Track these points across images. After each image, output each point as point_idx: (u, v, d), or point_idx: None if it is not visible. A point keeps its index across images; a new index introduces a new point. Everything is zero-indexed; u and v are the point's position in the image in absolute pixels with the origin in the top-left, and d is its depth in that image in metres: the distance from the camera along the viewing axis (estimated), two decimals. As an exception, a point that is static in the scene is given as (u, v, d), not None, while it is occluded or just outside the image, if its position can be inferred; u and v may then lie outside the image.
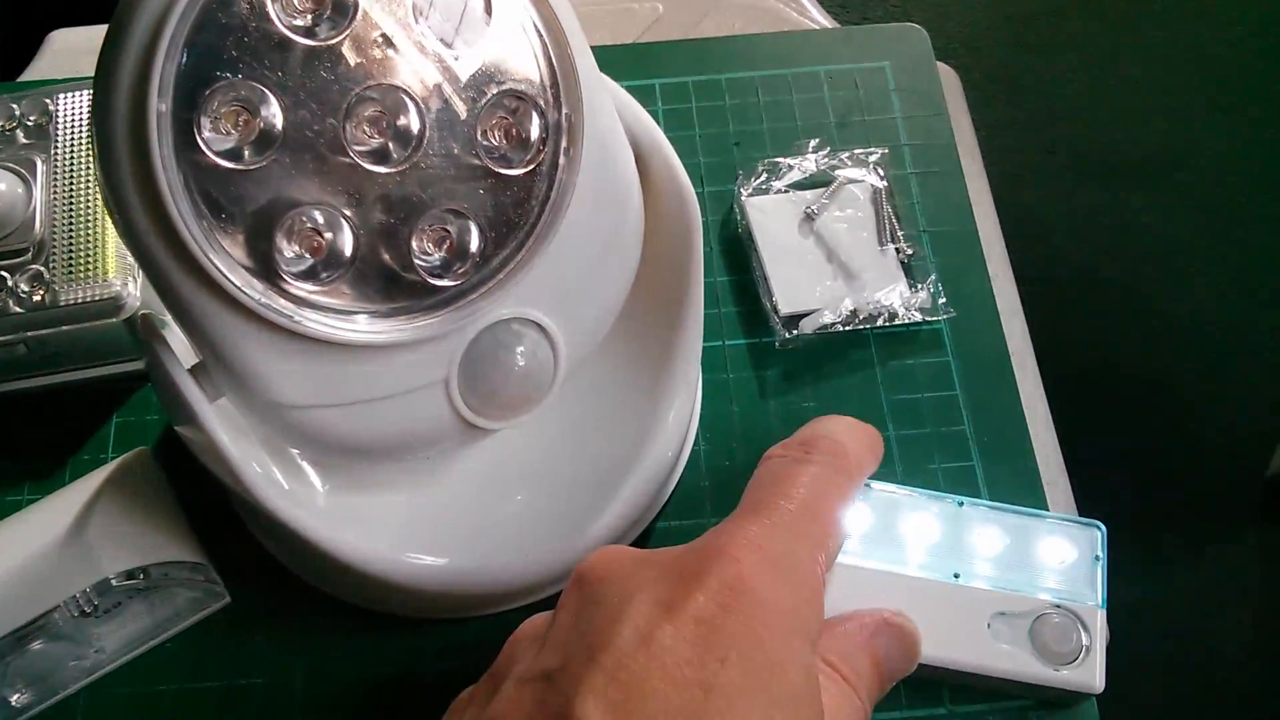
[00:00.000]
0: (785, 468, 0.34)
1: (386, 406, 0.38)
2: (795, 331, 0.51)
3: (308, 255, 0.36)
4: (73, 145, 0.52)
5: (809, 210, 0.53)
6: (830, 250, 0.53)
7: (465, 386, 0.39)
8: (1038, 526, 0.44)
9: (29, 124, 0.53)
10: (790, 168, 0.54)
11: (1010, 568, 0.43)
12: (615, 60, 0.58)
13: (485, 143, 0.37)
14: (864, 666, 0.35)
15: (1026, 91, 1.61)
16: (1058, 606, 0.42)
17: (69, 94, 0.53)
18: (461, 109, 0.37)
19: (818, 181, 0.54)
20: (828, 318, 0.51)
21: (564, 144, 0.38)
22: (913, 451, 0.49)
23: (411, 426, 0.39)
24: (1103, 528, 0.44)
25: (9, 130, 0.53)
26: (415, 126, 0.36)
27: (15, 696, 0.44)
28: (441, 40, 0.36)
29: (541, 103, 0.38)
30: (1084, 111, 1.60)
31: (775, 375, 0.51)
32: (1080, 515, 0.55)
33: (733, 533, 0.31)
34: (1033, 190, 1.53)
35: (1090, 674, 0.42)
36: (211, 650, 0.45)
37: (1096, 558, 0.43)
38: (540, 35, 0.38)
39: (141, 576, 0.43)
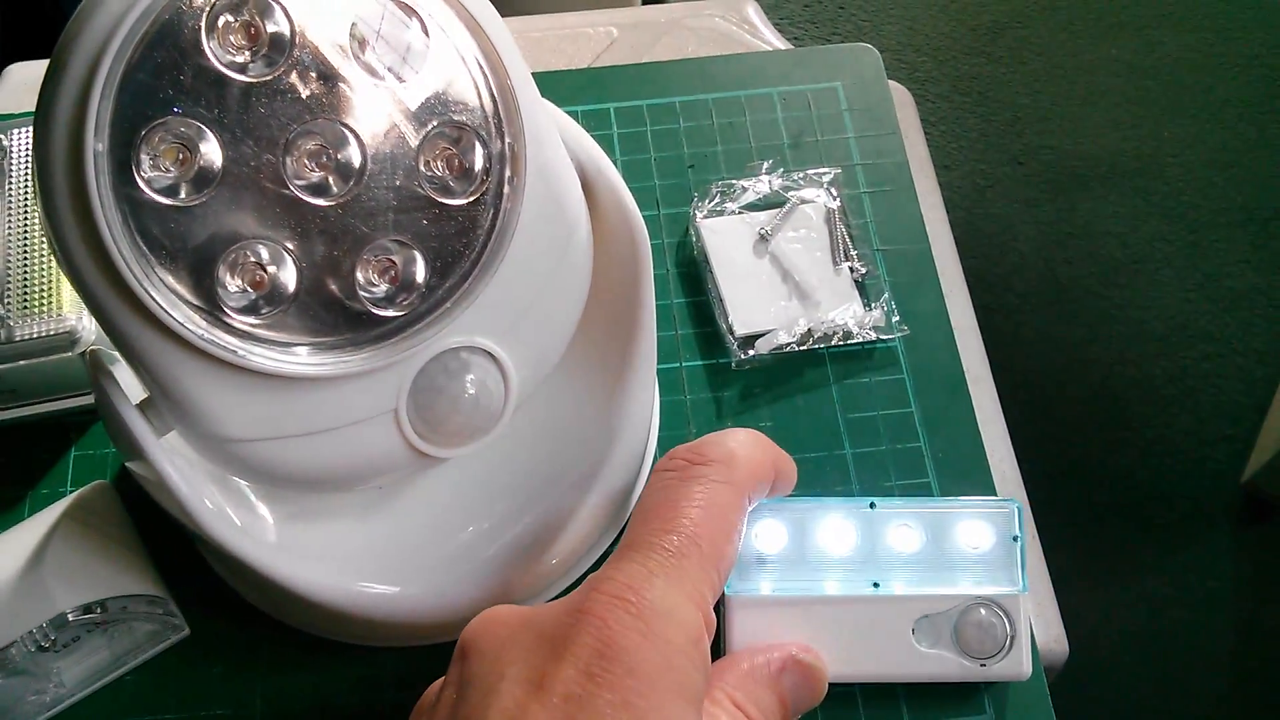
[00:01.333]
0: (669, 489, 0.33)
1: (335, 438, 0.39)
2: (751, 352, 0.51)
3: (250, 289, 0.36)
4: (28, 180, 0.52)
5: (763, 231, 0.54)
6: (785, 271, 0.53)
7: (415, 416, 0.40)
8: (954, 515, 0.42)
9: (-17, 159, 0.53)
10: (744, 189, 0.55)
11: (930, 565, 0.42)
12: (570, 84, 0.59)
13: (428, 173, 0.38)
14: (771, 705, 0.34)
15: (993, 102, 1.63)
16: (979, 599, 0.42)
17: (23, 129, 0.53)
18: (403, 140, 0.37)
19: (772, 202, 0.55)
20: (783, 338, 0.51)
21: (507, 173, 0.39)
22: (869, 469, 0.49)
23: (361, 457, 0.39)
24: (1019, 504, 0.43)
25: (-36, 166, 0.53)
26: (356, 159, 0.36)
27: (-27, 734, 0.44)
28: (382, 71, 0.37)
29: (484, 133, 0.38)
30: (1050, 121, 1.61)
31: (732, 396, 0.51)
32: (1041, 529, 0.55)
33: (604, 584, 0.30)
34: (1000, 200, 1.55)
35: (1017, 663, 0.41)
36: (171, 682, 0.45)
37: (1015, 537, 0.42)
38: (480, 66, 0.38)
39: (99, 610, 0.43)
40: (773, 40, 0.63)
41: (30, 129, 0.53)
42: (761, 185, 0.55)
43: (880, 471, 0.49)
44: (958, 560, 0.42)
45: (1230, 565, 1.31)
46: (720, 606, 0.42)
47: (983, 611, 0.42)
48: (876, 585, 0.42)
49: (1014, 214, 1.54)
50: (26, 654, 0.42)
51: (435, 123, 0.37)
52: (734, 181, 0.55)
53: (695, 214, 0.54)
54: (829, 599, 0.42)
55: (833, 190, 0.55)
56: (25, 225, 0.51)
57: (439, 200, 0.38)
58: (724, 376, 0.52)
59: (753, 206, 0.55)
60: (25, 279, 0.49)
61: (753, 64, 0.59)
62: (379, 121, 0.36)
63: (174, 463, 0.38)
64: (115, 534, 0.46)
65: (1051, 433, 1.37)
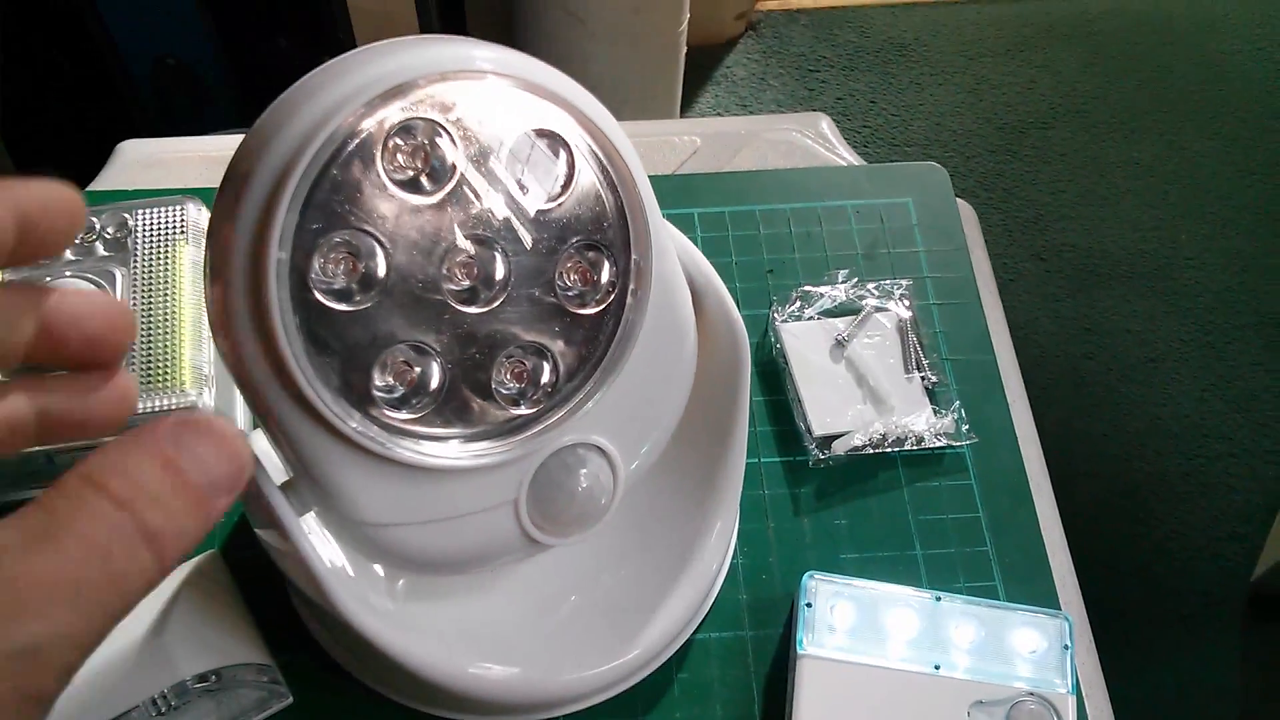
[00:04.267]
0: None
1: (461, 524, 0.41)
2: (828, 452, 0.54)
3: (400, 386, 0.39)
4: (150, 258, 0.55)
5: (840, 337, 0.57)
6: (860, 375, 0.56)
7: (533, 506, 0.42)
8: (1010, 618, 0.48)
9: (107, 236, 0.56)
10: (821, 295, 0.58)
11: (987, 658, 0.47)
12: (657, 190, 0.61)
13: (563, 285, 0.41)
14: (150, 474, 0.25)
15: (1017, 199, 1.67)
16: (1031, 694, 0.46)
17: (147, 210, 0.56)
18: (544, 256, 0.40)
19: (847, 309, 0.58)
20: (858, 440, 0.54)
21: (632, 286, 0.42)
22: (939, 569, 0.52)
23: (482, 542, 0.42)
24: (1070, 619, 0.48)
25: (88, 242, 0.56)
26: (501, 272, 0.40)
27: (85, 791, 0.46)
28: (531, 194, 0.40)
29: (615, 250, 0.41)
30: (1071, 219, 1.66)
31: (808, 493, 0.54)
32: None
33: None
34: (1022, 294, 1.59)
35: None
36: (274, 749, 0.48)
37: (1066, 647, 0.47)
38: (616, 187, 0.41)
39: (214, 678, 0.45)
40: (845, 155, 0.66)
41: (152, 210, 0.57)
42: (837, 293, 0.58)
43: (949, 573, 0.52)
44: (1013, 657, 0.47)
45: (1237, 662, 1.33)
46: (791, 663, 0.47)
47: (1033, 705, 0.46)
48: (938, 667, 0.46)
49: (1035, 308, 1.58)
50: (145, 718, 0.45)
51: (574, 240, 0.41)
52: (811, 288, 0.58)
53: (775, 317, 0.58)
54: (893, 670, 0.46)
55: (905, 301, 0.58)
56: (149, 302, 0.54)
57: (571, 310, 0.41)
58: (800, 474, 0.55)
59: (829, 313, 0.58)
60: (149, 354, 0.52)
61: (828, 178, 0.63)
62: (524, 239, 0.40)
63: (311, 542, 0.40)
64: (228, 601, 0.48)
65: (1066, 524, 1.39)
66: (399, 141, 0.38)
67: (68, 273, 0.56)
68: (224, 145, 0.67)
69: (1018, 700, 0.46)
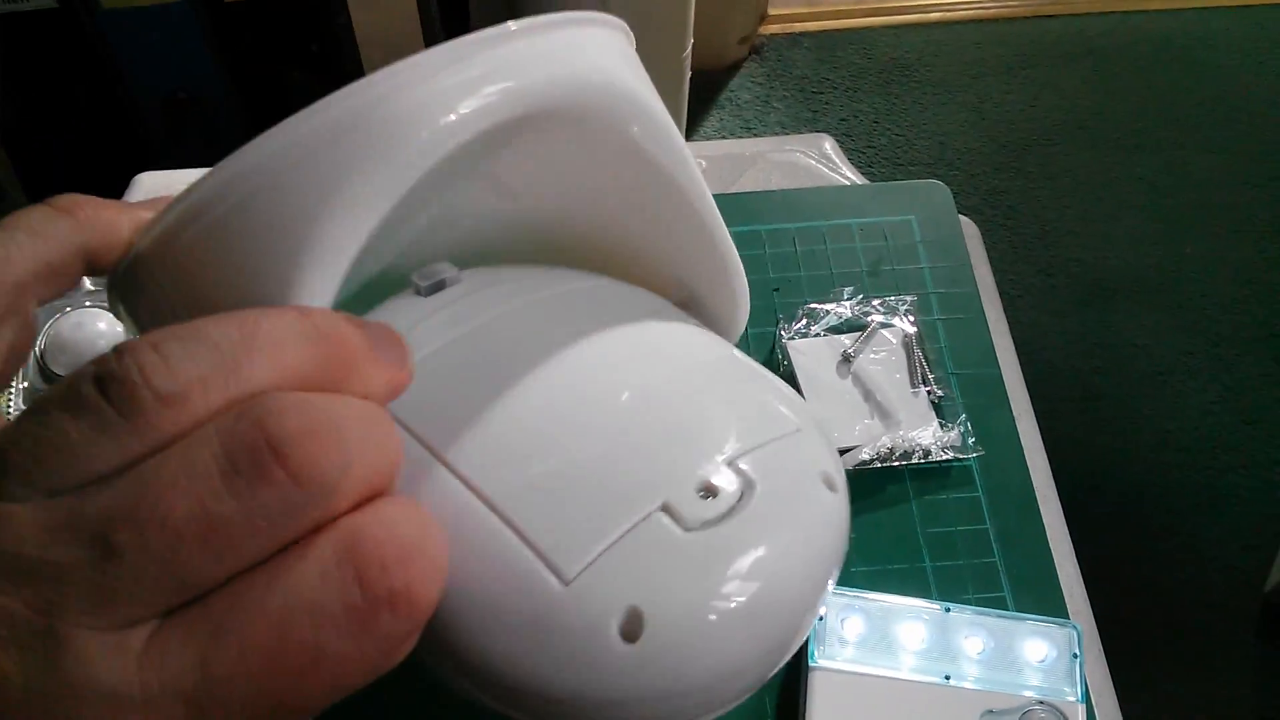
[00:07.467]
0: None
1: None
2: (836, 467, 0.55)
3: None
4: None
5: (846, 353, 0.58)
6: (867, 390, 0.57)
7: None
8: (1019, 628, 0.49)
9: (126, 267, 0.57)
10: (827, 312, 0.59)
11: (997, 667, 0.48)
12: (663, 211, 0.63)
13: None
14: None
15: (1022, 216, 1.69)
16: (1041, 703, 0.47)
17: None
18: None
19: (853, 325, 0.59)
20: (866, 454, 0.55)
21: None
22: (948, 582, 0.53)
23: None
24: (1078, 628, 0.49)
25: (108, 272, 0.57)
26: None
27: None
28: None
29: None
30: (1076, 235, 1.67)
31: (817, 508, 0.55)
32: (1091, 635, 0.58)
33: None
34: (1030, 310, 1.59)
35: None
36: None
37: (1075, 655, 0.48)
38: None
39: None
40: (848, 174, 0.67)
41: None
42: (843, 309, 0.59)
43: (958, 584, 0.53)
44: (1023, 666, 0.48)
45: (1250, 675, 1.33)
46: (803, 675, 0.48)
47: (1043, 714, 0.47)
48: (948, 678, 0.47)
49: (1043, 324, 1.58)
50: None
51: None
52: (817, 305, 0.59)
53: (781, 334, 0.59)
54: (904, 681, 0.47)
55: (909, 316, 0.59)
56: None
57: None
58: (810, 489, 0.55)
59: (835, 329, 0.59)
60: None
61: (832, 197, 0.64)
62: None
63: None
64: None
65: (1076, 538, 1.39)
66: None
67: (87, 303, 0.58)
68: (238, 175, 0.68)
69: (1028, 709, 0.47)
